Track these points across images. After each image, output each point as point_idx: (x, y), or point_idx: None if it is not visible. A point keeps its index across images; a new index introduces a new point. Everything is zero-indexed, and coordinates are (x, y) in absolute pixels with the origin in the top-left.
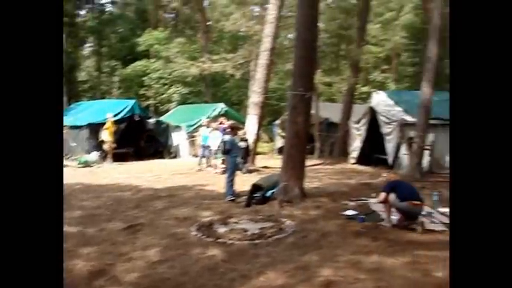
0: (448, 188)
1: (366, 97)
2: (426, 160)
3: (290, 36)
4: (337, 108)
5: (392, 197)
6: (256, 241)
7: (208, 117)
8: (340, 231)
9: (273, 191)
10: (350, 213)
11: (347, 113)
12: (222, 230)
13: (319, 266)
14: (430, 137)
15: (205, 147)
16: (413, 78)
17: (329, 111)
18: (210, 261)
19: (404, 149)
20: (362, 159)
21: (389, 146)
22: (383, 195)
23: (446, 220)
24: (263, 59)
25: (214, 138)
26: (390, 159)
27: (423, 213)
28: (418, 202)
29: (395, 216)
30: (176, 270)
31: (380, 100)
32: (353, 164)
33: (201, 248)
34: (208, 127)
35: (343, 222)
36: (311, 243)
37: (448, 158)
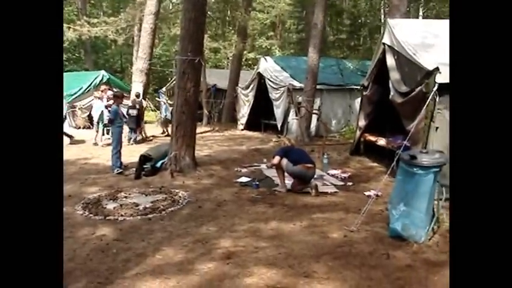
0: (336, 150)
1: (252, 63)
2: (313, 124)
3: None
4: (224, 75)
5: (285, 161)
6: (150, 215)
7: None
8: (236, 199)
9: (163, 161)
10: (244, 180)
11: (234, 79)
12: (111, 206)
13: (218, 238)
14: (317, 101)
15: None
16: (298, 45)
17: (216, 77)
18: (101, 242)
19: (292, 114)
20: (250, 125)
21: (278, 111)
22: (276, 159)
23: (336, 182)
24: (147, 23)
25: (97, 108)
26: (279, 124)
27: (315, 176)
28: (310, 165)
29: (288, 181)
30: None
31: (267, 66)
32: (242, 130)
33: (89, 228)
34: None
35: (238, 190)
36: (207, 214)
37: (333, 121)
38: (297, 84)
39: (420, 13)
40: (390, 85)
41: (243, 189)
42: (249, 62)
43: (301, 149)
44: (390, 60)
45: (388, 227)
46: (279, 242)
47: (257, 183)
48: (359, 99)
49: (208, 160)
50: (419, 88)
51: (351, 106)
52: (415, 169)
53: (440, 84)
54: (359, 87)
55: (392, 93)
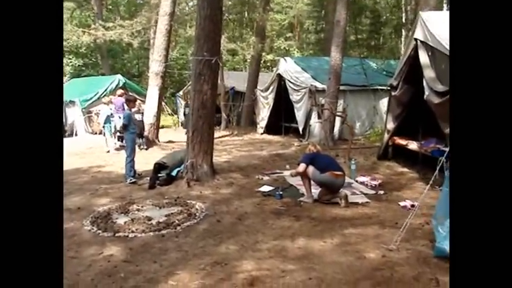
0: (362, 155)
1: (271, 65)
2: (337, 127)
3: (190, 3)
4: (242, 77)
5: (311, 169)
6: (163, 231)
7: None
8: (258, 212)
9: (179, 169)
10: (266, 190)
11: (253, 81)
12: (121, 220)
13: (239, 258)
14: (340, 103)
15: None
16: (317, 45)
17: (234, 79)
18: (108, 263)
19: (314, 117)
20: (270, 129)
21: (299, 114)
22: (302, 167)
23: (366, 190)
24: (162, 23)
25: (103, 114)
26: (300, 127)
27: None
28: (339, 172)
29: (315, 190)
30: (64, 281)
31: (287, 67)
32: (262, 133)
33: (96, 247)
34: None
35: (260, 201)
36: (227, 229)
37: (358, 124)
38: (319, 85)
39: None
40: (425, 84)
41: (265, 199)
42: (268, 64)
43: (329, 155)
44: (424, 57)
45: (433, 245)
46: (308, 263)
47: (281, 192)
48: (384, 100)
49: (227, 167)
50: None
51: (376, 107)
52: None
53: None
54: (384, 87)
55: (427, 92)
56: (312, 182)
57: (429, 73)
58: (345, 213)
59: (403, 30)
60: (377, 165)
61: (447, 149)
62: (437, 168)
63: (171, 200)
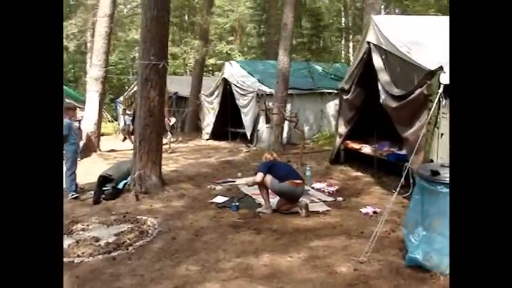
0: (314, 159)
1: (213, 69)
2: (285, 132)
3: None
4: (184, 82)
5: (269, 178)
6: (114, 253)
7: None
8: (215, 226)
9: (126, 181)
10: (221, 201)
11: (197, 86)
12: (65, 243)
13: (202, 281)
14: (288, 107)
15: None
16: (259, 48)
17: (176, 84)
18: None
19: (263, 122)
20: (216, 135)
21: (246, 119)
22: (259, 176)
23: (324, 197)
24: (102, 26)
25: None
26: (248, 133)
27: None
28: (299, 181)
29: (272, 198)
30: None
31: (233, 71)
32: (208, 139)
33: None
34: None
35: (215, 213)
36: (184, 247)
37: (306, 128)
38: (266, 89)
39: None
40: (380, 87)
41: (220, 211)
42: (210, 68)
43: (287, 164)
44: (378, 61)
45: (403, 254)
46: (278, 283)
47: (237, 204)
48: (330, 104)
49: (176, 177)
50: (419, 90)
51: (323, 111)
52: (439, 187)
53: (446, 86)
54: (331, 90)
55: (383, 96)
56: (270, 192)
57: (383, 76)
58: (307, 223)
59: (343, 34)
60: (331, 170)
61: (402, 153)
62: (403, 174)
63: (119, 217)
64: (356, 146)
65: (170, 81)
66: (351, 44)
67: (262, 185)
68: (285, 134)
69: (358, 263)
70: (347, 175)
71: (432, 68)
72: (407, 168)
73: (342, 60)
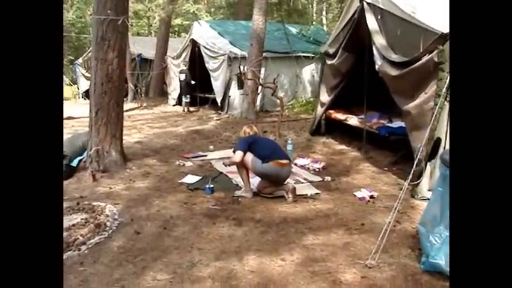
0: (291, 129)
1: (179, 30)
2: (259, 99)
3: None
4: (149, 43)
5: (250, 157)
6: (64, 254)
7: None
8: (187, 215)
9: (81, 158)
10: (192, 181)
11: (162, 48)
12: None
13: None
14: (262, 71)
15: None
16: (228, 9)
17: (140, 45)
18: None
19: (234, 87)
20: None
21: (217, 84)
22: (238, 155)
23: (310, 176)
24: None
25: None
26: (219, 99)
27: None
28: (285, 161)
29: (252, 178)
30: None
31: (202, 32)
32: (174, 105)
33: None
34: None
35: (186, 197)
36: (151, 246)
37: (282, 94)
38: (238, 51)
39: None
40: (376, 53)
41: (192, 195)
42: (176, 28)
43: (270, 139)
44: (372, 22)
45: (417, 255)
46: None
47: (211, 186)
48: (306, 68)
49: (140, 150)
50: (428, 57)
51: (299, 76)
52: None
53: None
54: (308, 54)
55: (379, 62)
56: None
57: (379, 40)
58: (295, 210)
59: None
60: (312, 143)
61: (394, 125)
62: (416, 158)
63: (72, 203)
64: (340, 116)
65: (133, 42)
66: (324, 6)
67: (241, 166)
68: (259, 101)
69: (365, 267)
70: (331, 148)
71: (445, 31)
72: (420, 149)
73: (314, 23)
